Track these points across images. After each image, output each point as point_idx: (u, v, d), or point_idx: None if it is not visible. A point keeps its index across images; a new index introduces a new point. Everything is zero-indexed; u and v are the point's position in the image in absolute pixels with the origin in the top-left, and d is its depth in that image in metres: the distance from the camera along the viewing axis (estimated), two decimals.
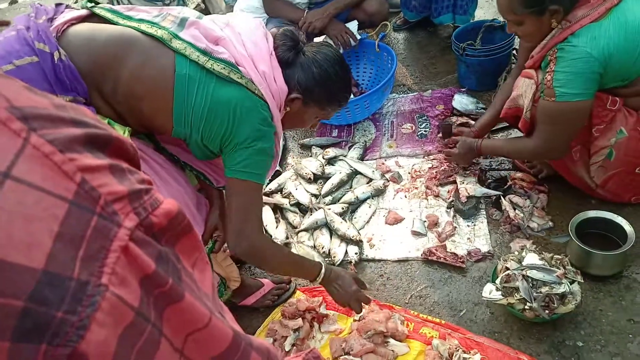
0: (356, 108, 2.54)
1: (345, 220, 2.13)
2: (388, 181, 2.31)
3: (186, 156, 1.52)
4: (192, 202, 1.55)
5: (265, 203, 2.34)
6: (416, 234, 2.03)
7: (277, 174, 2.49)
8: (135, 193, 0.36)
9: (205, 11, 3.86)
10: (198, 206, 1.58)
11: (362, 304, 1.61)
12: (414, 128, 2.59)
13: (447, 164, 2.27)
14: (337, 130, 2.72)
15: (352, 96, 2.71)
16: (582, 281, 1.56)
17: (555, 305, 1.52)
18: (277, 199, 2.35)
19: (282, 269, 1.59)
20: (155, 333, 0.35)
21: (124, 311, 0.32)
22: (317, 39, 2.88)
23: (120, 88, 1.27)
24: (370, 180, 2.31)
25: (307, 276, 1.57)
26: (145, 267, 0.34)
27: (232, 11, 3.16)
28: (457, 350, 1.54)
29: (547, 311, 1.51)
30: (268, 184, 2.43)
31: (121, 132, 1.25)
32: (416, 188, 2.25)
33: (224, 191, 1.71)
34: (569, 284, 1.54)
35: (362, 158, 2.48)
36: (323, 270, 1.55)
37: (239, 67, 1.31)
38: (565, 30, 1.58)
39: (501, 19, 2.62)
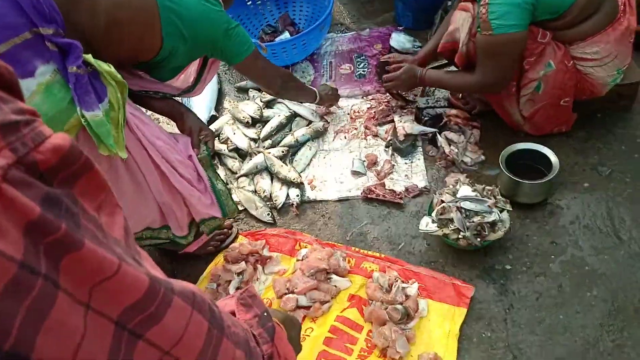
0: (293, 48, 2.46)
1: (286, 164, 2.12)
2: (328, 123, 2.29)
3: (143, 84, 1.53)
4: (163, 130, 1.56)
5: None
6: (356, 173, 2.06)
7: (214, 118, 2.41)
8: (9, 125, 0.30)
9: None
10: (163, 131, 1.59)
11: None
12: (352, 68, 2.56)
13: (385, 103, 2.28)
14: None
15: (288, 35, 2.63)
16: (511, 209, 1.65)
17: (487, 233, 1.60)
18: (215, 144, 2.29)
19: (303, 91, 2.05)
20: (49, 287, 0.31)
21: (2, 265, 0.28)
22: None
23: (99, 18, 1.23)
24: (310, 122, 2.29)
25: (312, 98, 2.10)
26: (28, 212, 0.29)
27: None
28: (396, 281, 1.60)
29: (479, 239, 1.60)
30: None
31: (106, 67, 1.19)
32: (355, 129, 2.25)
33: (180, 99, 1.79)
34: (499, 212, 1.62)
35: None
36: (317, 94, 2.10)
37: None
38: None
39: None
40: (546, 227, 1.72)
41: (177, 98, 1.70)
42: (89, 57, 1.17)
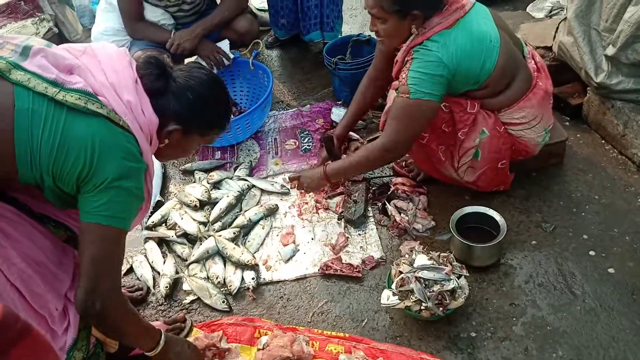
0: (237, 128, 2.48)
1: (239, 245, 2.05)
2: (289, 190, 2.29)
3: (40, 205, 1.33)
4: (52, 257, 1.32)
5: (149, 238, 2.17)
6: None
7: (160, 204, 2.33)
8: None
9: (59, 36, 3.54)
10: (61, 261, 1.35)
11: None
12: (297, 143, 2.60)
13: None
14: (219, 152, 2.63)
15: (231, 116, 2.65)
16: (468, 274, 1.67)
17: (448, 301, 1.59)
18: (162, 231, 2.20)
19: (130, 337, 1.39)
20: None
21: None
22: (187, 60, 2.79)
23: None
24: (270, 192, 2.30)
25: (147, 344, 1.39)
26: None
27: (89, 35, 2.92)
28: None
29: (441, 308, 1.58)
30: (150, 216, 2.26)
31: None
32: (306, 203, 2.24)
33: None
34: (456, 279, 1.63)
35: None
36: (163, 338, 1.41)
37: (99, 97, 1.20)
38: (421, 35, 1.70)
39: (367, 33, 2.75)
40: (503, 289, 1.74)
41: None
42: None
